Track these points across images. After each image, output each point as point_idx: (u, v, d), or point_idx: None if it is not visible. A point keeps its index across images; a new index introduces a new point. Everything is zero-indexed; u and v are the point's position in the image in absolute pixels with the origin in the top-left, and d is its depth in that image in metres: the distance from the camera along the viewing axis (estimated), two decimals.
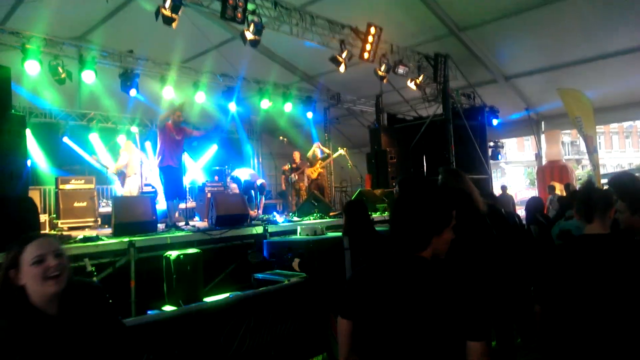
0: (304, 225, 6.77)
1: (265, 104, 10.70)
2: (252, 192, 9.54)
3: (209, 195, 9.66)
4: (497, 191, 11.64)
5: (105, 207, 9.39)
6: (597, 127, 10.15)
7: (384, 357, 1.47)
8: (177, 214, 7.11)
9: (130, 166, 8.94)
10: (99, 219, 8.77)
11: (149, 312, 2.51)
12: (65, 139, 10.58)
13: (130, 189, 8.75)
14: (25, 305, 1.56)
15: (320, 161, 10.75)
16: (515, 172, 35.58)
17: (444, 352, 1.39)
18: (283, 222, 7.41)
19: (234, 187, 9.99)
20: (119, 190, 9.74)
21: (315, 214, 8.36)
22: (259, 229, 6.31)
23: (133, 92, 8.64)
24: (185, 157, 7.42)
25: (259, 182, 9.82)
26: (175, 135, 6.85)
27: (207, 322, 2.77)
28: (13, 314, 1.54)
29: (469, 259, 2.51)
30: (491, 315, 1.66)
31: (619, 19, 8.45)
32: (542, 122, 12.50)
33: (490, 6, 8.85)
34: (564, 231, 3.67)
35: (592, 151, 9.14)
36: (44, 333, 1.54)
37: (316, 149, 10.82)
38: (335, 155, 11.15)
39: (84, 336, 1.62)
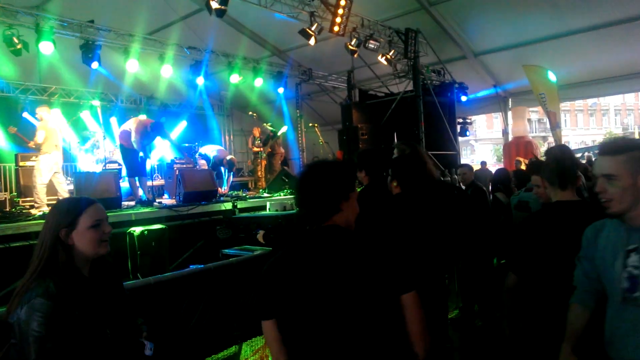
0: (273, 201, 6.76)
1: (234, 78, 10.48)
2: (221, 168, 9.44)
3: (177, 172, 9.50)
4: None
5: (69, 185, 9.11)
6: (562, 104, 10.40)
7: (319, 341, 1.36)
8: (140, 191, 6.95)
9: (47, 143, 6.90)
10: (63, 197, 8.52)
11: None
12: (25, 114, 10.12)
13: (41, 169, 6.67)
14: (70, 264, 1.68)
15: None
16: (484, 150, 36.32)
17: (380, 320, 1.36)
18: (252, 199, 7.38)
19: (202, 163, 9.84)
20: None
21: (285, 190, 8.35)
22: (227, 205, 6.28)
23: (95, 65, 8.29)
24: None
25: (228, 157, 9.70)
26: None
27: (166, 293, 2.75)
28: (61, 271, 1.64)
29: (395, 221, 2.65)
30: (418, 269, 1.58)
31: None
32: (510, 99, 12.72)
33: None
34: (522, 202, 3.76)
35: (555, 127, 9.39)
36: (85, 291, 1.68)
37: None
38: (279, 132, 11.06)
39: (111, 296, 1.79)
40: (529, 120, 26.65)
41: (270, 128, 11.11)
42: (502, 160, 13.91)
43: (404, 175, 2.84)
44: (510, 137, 13.13)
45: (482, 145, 36.87)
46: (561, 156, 2.21)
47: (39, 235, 1.72)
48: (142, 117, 8.17)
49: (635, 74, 10.36)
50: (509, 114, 12.93)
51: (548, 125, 10.13)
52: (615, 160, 1.51)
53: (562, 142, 10.11)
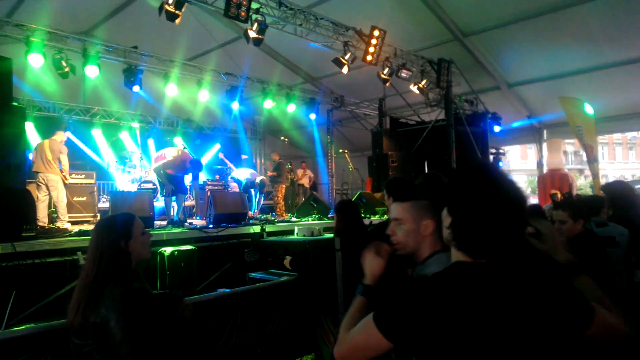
0: (301, 226, 6.77)
1: (268, 104, 10.72)
2: (252, 191, 9.55)
3: (208, 193, 9.68)
4: None
5: (105, 203, 9.42)
6: (600, 137, 10.10)
7: None
8: (173, 211, 7.09)
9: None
10: (98, 214, 8.80)
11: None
12: (68, 134, 10.61)
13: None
14: (130, 268, 1.99)
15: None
16: (517, 180, 35.48)
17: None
18: (281, 222, 7.42)
19: (234, 186, 10.00)
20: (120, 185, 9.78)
21: (314, 215, 8.36)
22: (256, 228, 6.31)
23: (136, 88, 8.67)
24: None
25: (259, 179, 9.82)
26: None
27: (195, 315, 2.77)
28: (125, 275, 1.93)
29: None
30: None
31: (622, 29, 8.42)
32: (544, 131, 12.45)
33: (494, 13, 8.84)
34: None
35: (592, 161, 9.11)
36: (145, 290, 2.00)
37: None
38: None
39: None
40: (565, 152, 25.96)
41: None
42: (537, 192, 13.53)
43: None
44: (545, 169, 12.79)
45: (515, 175, 36.05)
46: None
47: (90, 250, 1.97)
48: (183, 149, 8.36)
49: None
50: (544, 145, 12.63)
51: (584, 158, 9.82)
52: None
53: (600, 176, 9.76)
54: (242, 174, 10.09)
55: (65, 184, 7.48)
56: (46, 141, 7.57)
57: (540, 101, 11.28)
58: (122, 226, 2.02)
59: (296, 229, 6.51)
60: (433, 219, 1.62)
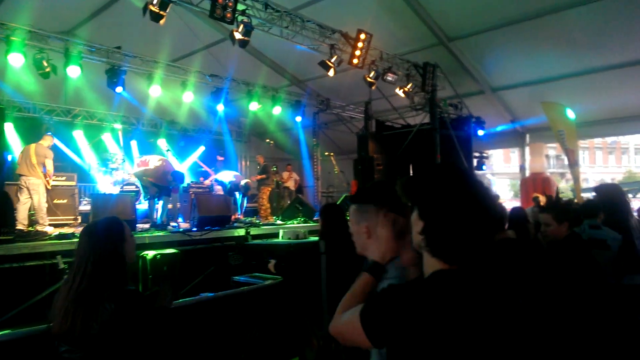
0: (286, 229, 6.73)
1: (254, 106, 10.66)
2: (237, 193, 9.49)
3: (192, 196, 9.57)
4: None
5: (86, 205, 9.25)
6: (581, 142, 10.28)
7: None
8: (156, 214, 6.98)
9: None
10: (79, 217, 8.63)
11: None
12: (54, 139, 10.41)
13: (41, 191, 7.13)
14: (126, 271, 2.02)
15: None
16: (500, 184, 35.95)
17: None
18: (266, 225, 7.37)
19: (218, 189, 9.90)
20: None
21: (299, 218, 8.33)
22: (240, 232, 6.26)
23: (119, 90, 8.53)
24: (171, 157, 7.38)
25: (243, 182, 9.76)
26: None
27: (177, 320, 2.72)
28: (123, 276, 1.97)
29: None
30: None
31: (603, 35, 8.60)
32: (527, 135, 12.63)
33: (479, 18, 8.94)
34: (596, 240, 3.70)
35: (573, 165, 9.26)
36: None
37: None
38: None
39: None
40: (547, 156, 26.43)
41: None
42: (520, 195, 13.71)
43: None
44: (527, 173, 12.97)
45: (498, 179, 36.50)
46: None
47: (83, 255, 1.93)
48: (166, 160, 8.21)
49: None
50: (527, 149, 12.82)
51: (566, 162, 9.99)
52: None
53: (581, 180, 9.93)
54: (226, 176, 10.01)
55: (47, 189, 7.34)
56: (33, 145, 7.44)
57: (523, 106, 11.44)
58: (117, 230, 2.04)
59: (281, 232, 6.49)
60: (371, 224, 1.58)
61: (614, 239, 3.64)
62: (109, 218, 2.14)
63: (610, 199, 4.04)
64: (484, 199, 1.20)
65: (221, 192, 9.60)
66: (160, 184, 7.23)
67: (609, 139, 34.35)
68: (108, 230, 2.01)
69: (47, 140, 7.70)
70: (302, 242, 5.45)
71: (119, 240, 2.00)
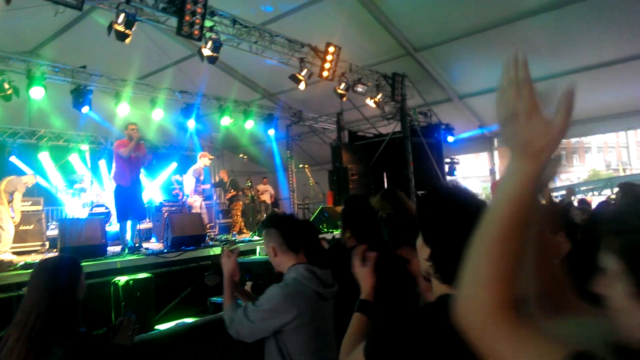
0: (263, 245, 6.67)
1: (225, 121, 10.57)
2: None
3: (166, 214, 9.38)
4: None
5: (54, 230, 8.93)
6: None
7: None
8: (128, 235, 6.77)
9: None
10: (47, 243, 8.33)
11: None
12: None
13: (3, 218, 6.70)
14: (78, 315, 1.93)
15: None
16: (472, 187, 36.65)
17: None
18: (241, 242, 7.28)
19: (196, 206, 9.51)
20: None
21: None
22: (216, 250, 6.16)
23: (85, 109, 8.33)
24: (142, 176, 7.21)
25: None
26: (131, 152, 6.58)
27: (151, 354, 2.63)
28: (78, 323, 1.89)
29: None
30: None
31: (564, 41, 8.93)
32: (495, 139, 12.97)
33: (443, 29, 9.16)
34: None
35: None
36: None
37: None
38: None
39: None
40: None
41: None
42: (491, 198, 14.01)
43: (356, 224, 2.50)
44: (497, 176, 13.28)
45: (469, 181, 37.22)
46: None
47: (35, 296, 1.81)
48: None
49: (614, 115, 10.69)
50: (495, 153, 13.15)
51: None
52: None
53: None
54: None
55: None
56: (13, 177, 7.18)
57: (490, 111, 11.73)
58: (77, 271, 1.98)
59: (258, 248, 6.43)
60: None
61: None
62: (69, 257, 2.08)
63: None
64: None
65: (197, 209, 9.35)
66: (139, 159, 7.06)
67: (573, 140, 35.56)
68: (68, 270, 1.94)
69: (29, 178, 7.48)
70: None
71: (76, 281, 1.95)
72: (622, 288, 0.75)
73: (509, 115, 0.82)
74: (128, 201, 6.50)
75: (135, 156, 6.69)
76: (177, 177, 10.55)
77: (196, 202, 9.28)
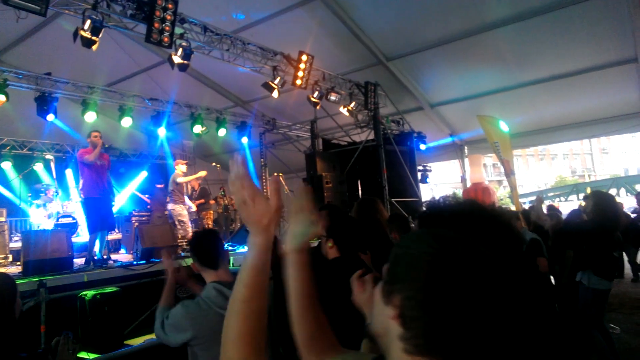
0: (237, 255, 6.58)
1: (197, 128, 10.41)
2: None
3: (136, 224, 9.16)
4: None
5: (17, 242, 8.58)
6: (514, 150, 10.89)
7: None
8: (96, 247, 6.55)
9: None
10: (10, 255, 7.99)
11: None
12: None
13: None
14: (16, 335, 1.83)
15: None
16: (443, 193, 37.24)
17: None
18: None
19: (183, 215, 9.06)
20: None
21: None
22: (189, 261, 6.02)
23: (50, 117, 8.05)
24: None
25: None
26: (95, 160, 6.40)
27: None
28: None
29: None
30: None
31: (529, 52, 9.23)
32: (466, 147, 13.24)
33: (414, 39, 9.33)
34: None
35: (509, 174, 9.77)
36: None
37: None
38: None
39: None
40: (484, 165, 27.77)
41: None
42: None
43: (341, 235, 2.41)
44: (468, 183, 13.54)
45: (441, 189, 37.84)
46: None
47: None
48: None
49: (579, 123, 11.06)
50: (466, 161, 13.41)
51: (502, 170, 10.55)
52: None
53: (517, 187, 10.49)
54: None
55: None
56: None
57: (460, 120, 11.99)
58: (10, 289, 1.89)
59: (232, 259, 6.32)
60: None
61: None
62: (2, 274, 2.00)
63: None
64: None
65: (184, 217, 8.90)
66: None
67: (540, 147, 36.69)
68: (3, 288, 1.85)
69: None
70: None
71: (11, 300, 1.85)
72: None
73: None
74: (99, 212, 6.32)
75: (101, 164, 6.52)
76: (161, 186, 10.24)
77: (179, 211, 8.87)
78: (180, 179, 8.58)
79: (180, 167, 8.83)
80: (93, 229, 6.34)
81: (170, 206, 8.55)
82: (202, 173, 9.01)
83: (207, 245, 2.30)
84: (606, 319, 4.29)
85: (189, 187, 9.90)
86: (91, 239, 6.38)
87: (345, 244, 2.34)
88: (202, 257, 2.27)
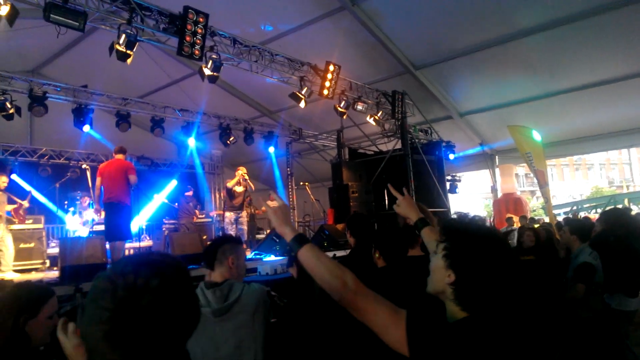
0: (263, 264, 6.61)
1: (226, 138, 10.61)
2: None
3: (166, 232, 9.34)
4: None
5: (55, 248, 8.88)
6: (547, 160, 10.60)
7: None
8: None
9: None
10: (48, 261, 8.27)
11: None
12: (13, 177, 10.04)
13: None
14: (23, 352, 1.65)
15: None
16: (475, 204, 36.52)
17: None
18: None
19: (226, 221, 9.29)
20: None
21: (277, 250, 8.18)
22: None
23: (86, 128, 8.37)
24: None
25: None
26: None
27: None
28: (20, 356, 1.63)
29: None
30: None
31: (560, 60, 9.02)
32: (496, 157, 12.98)
33: (442, 47, 9.26)
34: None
35: (543, 185, 9.50)
36: None
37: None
38: None
39: None
40: (517, 175, 27.14)
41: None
42: (493, 216, 13.95)
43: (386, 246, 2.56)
44: (499, 194, 13.25)
45: (471, 199, 37.09)
46: None
47: None
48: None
49: (616, 132, 10.71)
50: (497, 171, 13.14)
51: (536, 181, 10.26)
52: None
53: (551, 199, 10.18)
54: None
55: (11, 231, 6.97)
56: None
57: (491, 129, 11.78)
58: (28, 300, 1.73)
59: (259, 267, 6.36)
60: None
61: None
62: (37, 285, 1.88)
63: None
64: (510, 257, 1.33)
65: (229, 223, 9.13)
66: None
67: (575, 157, 35.58)
68: (17, 297, 1.72)
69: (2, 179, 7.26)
70: (282, 277, 5.34)
71: (24, 311, 1.68)
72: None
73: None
74: (116, 218, 6.46)
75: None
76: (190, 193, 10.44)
77: (227, 219, 9.02)
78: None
79: (239, 173, 9.04)
80: (109, 237, 6.37)
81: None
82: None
83: (209, 247, 2.50)
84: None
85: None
86: (110, 247, 6.42)
87: (390, 253, 2.53)
88: (205, 256, 2.46)
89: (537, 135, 9.72)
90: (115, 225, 6.40)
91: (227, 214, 8.93)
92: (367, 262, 2.83)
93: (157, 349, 0.85)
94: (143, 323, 0.83)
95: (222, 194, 8.94)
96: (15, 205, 7.13)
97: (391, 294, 1.63)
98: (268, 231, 10.54)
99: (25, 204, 7.60)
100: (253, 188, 9.49)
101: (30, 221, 8.59)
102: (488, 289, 1.27)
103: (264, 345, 2.34)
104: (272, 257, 7.78)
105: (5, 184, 7.15)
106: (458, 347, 1.22)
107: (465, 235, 1.34)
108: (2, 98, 7.40)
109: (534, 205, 29.30)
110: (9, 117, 7.64)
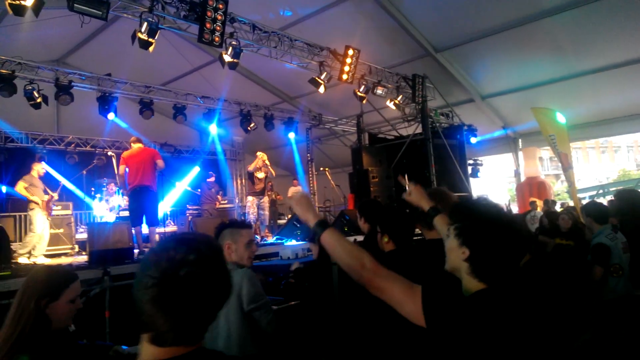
0: (284, 249, 6.71)
1: (247, 124, 10.69)
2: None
3: (189, 218, 9.54)
4: None
5: (83, 233, 9.17)
6: (573, 142, 10.34)
7: None
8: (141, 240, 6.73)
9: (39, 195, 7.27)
10: (76, 246, 8.56)
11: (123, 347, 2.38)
12: (41, 165, 10.35)
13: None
14: (43, 335, 1.67)
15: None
16: (498, 188, 35.97)
17: None
18: (262, 246, 7.32)
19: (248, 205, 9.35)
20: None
21: (298, 235, 8.28)
22: None
23: (111, 116, 8.55)
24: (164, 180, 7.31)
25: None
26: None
27: None
28: (42, 341, 1.66)
29: None
30: None
31: (587, 39, 8.73)
32: (520, 140, 12.73)
33: (464, 29, 9.07)
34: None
35: (567, 168, 9.28)
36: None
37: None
38: None
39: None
40: (540, 158, 26.57)
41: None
42: (516, 200, 13.75)
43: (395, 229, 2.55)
44: (522, 178, 13.03)
45: (494, 183, 36.54)
46: None
47: (13, 306, 1.69)
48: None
49: None
50: (520, 154, 12.90)
51: (560, 164, 10.03)
52: None
53: (575, 182, 9.94)
54: None
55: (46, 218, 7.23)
56: (24, 177, 7.35)
57: (514, 112, 11.54)
58: (49, 283, 1.74)
59: (280, 251, 6.47)
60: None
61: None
62: (61, 269, 1.89)
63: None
64: (518, 228, 1.44)
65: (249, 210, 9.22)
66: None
67: (601, 139, 34.57)
68: (38, 280, 1.73)
69: (34, 170, 7.54)
70: (305, 261, 5.41)
71: (46, 295, 1.70)
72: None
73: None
74: (140, 203, 6.58)
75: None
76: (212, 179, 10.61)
77: (249, 203, 9.09)
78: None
79: (260, 158, 9.05)
80: (134, 222, 6.50)
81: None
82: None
83: (215, 233, 2.56)
84: None
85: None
86: (137, 231, 6.58)
87: (400, 237, 2.52)
88: None
89: (561, 118, 9.48)
90: (143, 210, 6.54)
91: (249, 198, 9.05)
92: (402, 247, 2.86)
93: (194, 313, 1.00)
94: (182, 290, 0.98)
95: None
96: (47, 197, 7.37)
97: (406, 275, 1.69)
98: (289, 216, 10.68)
99: (55, 196, 7.85)
100: (274, 174, 9.52)
101: (60, 208, 8.89)
102: (500, 257, 1.38)
103: (239, 327, 2.33)
104: (293, 242, 7.88)
105: (43, 171, 7.44)
106: (475, 316, 1.30)
107: (472, 213, 1.49)
108: (30, 87, 7.60)
109: (558, 189, 28.72)
110: (37, 106, 7.86)
